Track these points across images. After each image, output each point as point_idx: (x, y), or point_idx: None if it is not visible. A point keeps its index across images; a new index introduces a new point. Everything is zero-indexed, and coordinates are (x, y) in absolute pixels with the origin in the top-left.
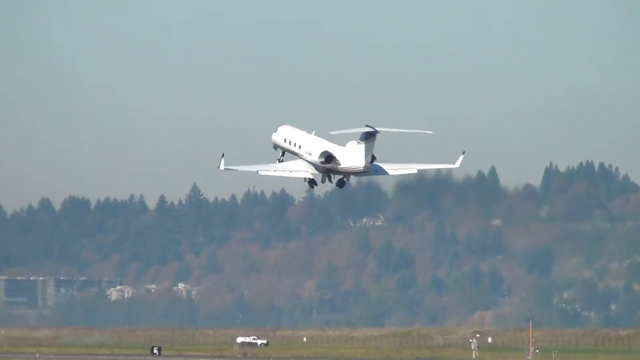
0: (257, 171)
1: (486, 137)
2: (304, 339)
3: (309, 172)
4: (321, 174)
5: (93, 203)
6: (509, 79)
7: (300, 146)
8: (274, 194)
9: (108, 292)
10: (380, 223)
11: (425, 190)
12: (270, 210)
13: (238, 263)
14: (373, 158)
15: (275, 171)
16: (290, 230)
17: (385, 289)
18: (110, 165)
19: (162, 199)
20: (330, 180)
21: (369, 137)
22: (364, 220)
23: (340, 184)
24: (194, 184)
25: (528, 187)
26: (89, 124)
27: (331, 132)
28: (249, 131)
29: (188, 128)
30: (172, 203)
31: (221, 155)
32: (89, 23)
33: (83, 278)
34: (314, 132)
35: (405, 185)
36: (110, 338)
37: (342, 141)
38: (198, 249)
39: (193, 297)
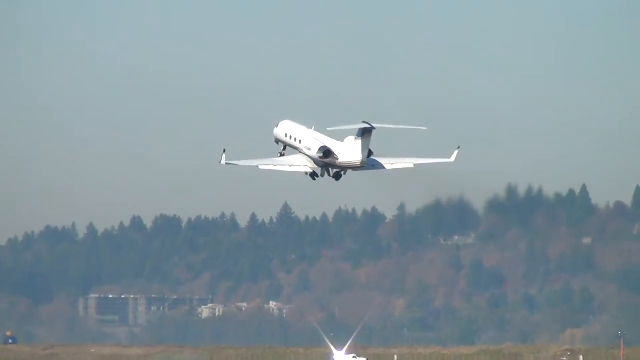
0: (257, 166)
1: (578, 155)
2: (395, 357)
3: (308, 166)
4: (320, 168)
5: (184, 221)
6: (600, 98)
7: (300, 141)
8: (365, 212)
9: (199, 311)
10: (471, 241)
11: (517, 208)
12: (361, 228)
13: (329, 281)
14: (370, 153)
15: (275, 166)
16: (381, 248)
17: (476, 307)
18: (202, 183)
19: (253, 217)
20: (329, 174)
21: (365, 133)
22: (455, 238)
23: (337, 176)
24: (286, 202)
25: (619, 205)
26: (180, 140)
27: (328, 128)
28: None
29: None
30: (264, 221)
31: (223, 150)
32: None
33: (174, 296)
34: (313, 127)
35: (497, 203)
36: (201, 356)
37: (341, 137)
38: (289, 267)
39: (284, 315)
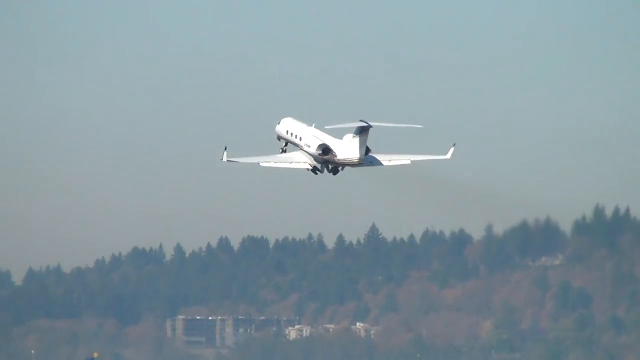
0: (258, 163)
1: None
2: None
3: (308, 162)
4: (320, 165)
5: (272, 242)
6: None
7: (300, 138)
8: (452, 233)
9: (286, 332)
10: (558, 262)
11: (604, 229)
12: (448, 249)
13: (416, 302)
14: (367, 150)
15: (275, 163)
16: (468, 269)
17: (563, 328)
18: (289, 204)
19: (340, 238)
20: (328, 170)
21: (363, 131)
22: (542, 259)
23: (334, 170)
24: (373, 223)
25: None
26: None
27: (326, 127)
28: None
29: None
30: (351, 242)
31: (224, 148)
32: None
33: (261, 317)
34: (313, 124)
35: (584, 224)
36: None
37: (339, 135)
38: (376, 288)
39: (371, 336)
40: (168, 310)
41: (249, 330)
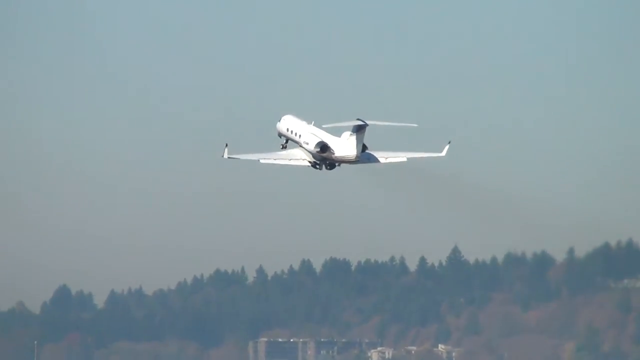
0: (258, 160)
1: None
2: None
3: (306, 159)
4: (319, 162)
5: (354, 264)
6: None
7: (300, 135)
8: (534, 254)
9: (369, 354)
10: None
11: None
12: (530, 271)
13: (498, 324)
14: (364, 147)
15: (275, 159)
16: (550, 291)
17: None
18: (370, 227)
19: (422, 260)
20: (326, 167)
21: (359, 130)
22: (625, 281)
23: (331, 165)
24: (455, 245)
25: None
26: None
27: (324, 125)
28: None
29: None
30: (433, 264)
31: (225, 145)
32: None
33: (344, 340)
34: (313, 122)
35: None
36: None
37: (338, 133)
38: (458, 311)
39: (453, 358)
40: (250, 333)
41: (331, 353)
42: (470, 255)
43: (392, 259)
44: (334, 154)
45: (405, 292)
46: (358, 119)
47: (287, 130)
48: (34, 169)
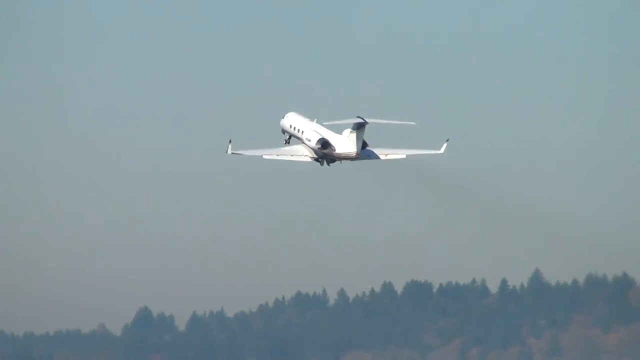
0: (261, 155)
1: None
2: None
3: (308, 156)
4: (320, 158)
5: (435, 287)
6: None
7: (302, 132)
8: (615, 276)
9: None
10: None
11: None
12: (611, 293)
13: (579, 346)
14: (364, 144)
15: (278, 155)
16: (631, 313)
17: None
18: (453, 248)
19: (503, 282)
20: (327, 163)
21: (359, 127)
22: None
23: (332, 161)
24: (536, 267)
25: None
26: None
27: (325, 123)
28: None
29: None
30: (514, 287)
31: (228, 141)
32: None
33: None
34: (315, 119)
35: None
36: None
37: (340, 130)
38: (539, 333)
39: None
40: (331, 355)
41: None
42: (551, 277)
43: (474, 281)
44: (334, 150)
45: (486, 314)
46: (358, 117)
47: (290, 127)
48: (121, 192)
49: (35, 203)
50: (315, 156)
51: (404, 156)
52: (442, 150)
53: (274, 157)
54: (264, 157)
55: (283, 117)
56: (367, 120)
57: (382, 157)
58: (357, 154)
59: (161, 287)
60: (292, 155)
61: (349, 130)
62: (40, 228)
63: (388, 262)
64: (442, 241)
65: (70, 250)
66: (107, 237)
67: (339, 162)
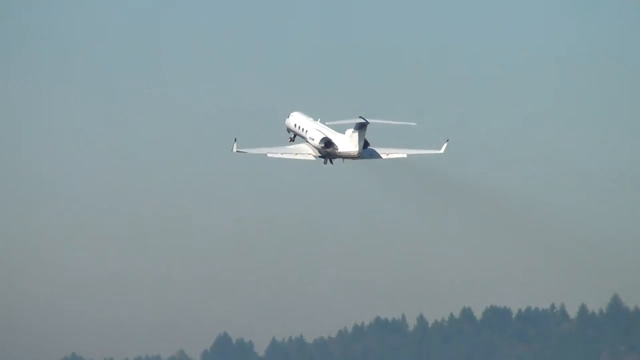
0: (266, 154)
1: None
2: None
3: (312, 154)
4: (323, 157)
5: (514, 312)
6: None
7: (306, 131)
8: None
9: None
10: None
11: None
12: None
13: None
14: (366, 143)
15: (282, 154)
16: None
17: None
18: (530, 273)
19: (582, 308)
20: (330, 162)
21: (361, 127)
22: None
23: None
24: (615, 293)
25: None
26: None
27: (327, 123)
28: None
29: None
30: (593, 312)
31: (234, 139)
32: None
33: None
34: (319, 119)
35: None
36: None
37: (342, 129)
38: (619, 359)
39: None
40: None
41: None
42: (631, 302)
43: (553, 306)
44: (337, 149)
45: (565, 340)
46: (360, 117)
47: (295, 126)
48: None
49: (114, 234)
50: (319, 154)
51: (405, 155)
52: (442, 150)
53: (279, 155)
54: (269, 155)
55: (288, 117)
56: (368, 120)
57: (383, 156)
58: (358, 153)
59: (240, 313)
60: (296, 154)
61: (351, 130)
62: (120, 254)
63: (467, 288)
64: (520, 266)
65: (150, 277)
66: (187, 263)
67: (342, 161)
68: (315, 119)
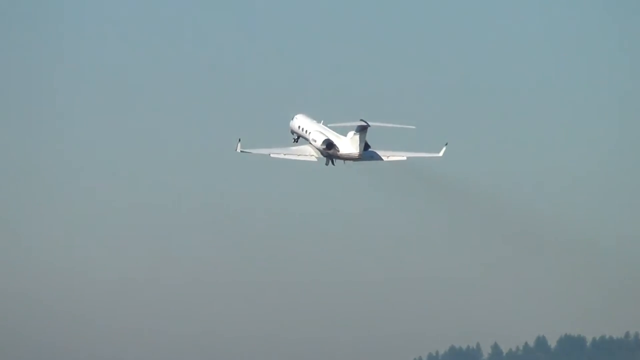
0: (269, 154)
1: None
2: None
3: (314, 155)
4: (325, 158)
5: (588, 340)
6: None
7: (309, 133)
8: None
9: None
10: None
11: None
12: None
13: None
14: (367, 146)
15: (285, 155)
16: None
17: None
18: (604, 302)
19: None
20: (332, 163)
21: (362, 130)
22: None
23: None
24: None
25: None
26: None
27: (329, 125)
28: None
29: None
30: None
31: (238, 140)
32: None
33: None
34: (322, 121)
35: None
36: None
37: (344, 132)
38: None
39: None
40: None
41: None
42: None
43: (627, 335)
44: (338, 151)
45: None
46: (361, 120)
47: (299, 127)
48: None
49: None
50: (321, 156)
51: (405, 158)
52: (441, 154)
53: (282, 156)
54: (272, 156)
55: (292, 119)
56: (369, 123)
57: (384, 158)
58: (359, 155)
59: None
60: (298, 155)
61: (352, 132)
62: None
63: (541, 315)
64: (595, 295)
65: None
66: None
67: (344, 162)
68: (319, 121)
